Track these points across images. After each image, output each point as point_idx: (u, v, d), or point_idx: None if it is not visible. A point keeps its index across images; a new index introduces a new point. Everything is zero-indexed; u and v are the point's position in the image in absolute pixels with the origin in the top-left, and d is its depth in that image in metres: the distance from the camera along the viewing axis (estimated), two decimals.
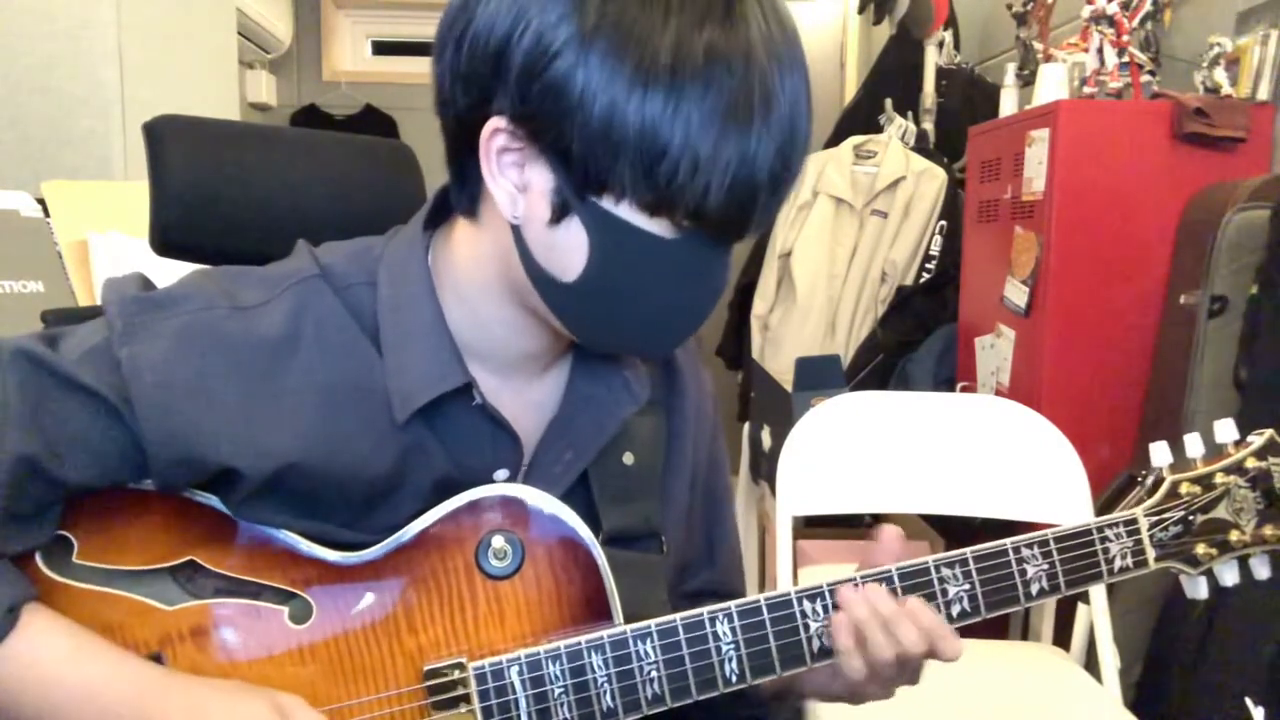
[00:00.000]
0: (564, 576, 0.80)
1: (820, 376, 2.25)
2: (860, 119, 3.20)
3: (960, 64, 3.12)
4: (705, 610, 0.79)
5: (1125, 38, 2.11)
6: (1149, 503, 0.86)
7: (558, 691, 0.77)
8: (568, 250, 0.71)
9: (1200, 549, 0.86)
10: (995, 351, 2.22)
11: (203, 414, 0.73)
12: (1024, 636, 2.00)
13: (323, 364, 0.77)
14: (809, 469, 1.59)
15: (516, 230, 0.73)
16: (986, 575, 0.82)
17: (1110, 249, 1.96)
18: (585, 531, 0.80)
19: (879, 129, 3.05)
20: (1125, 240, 1.95)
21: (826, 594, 0.80)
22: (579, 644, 0.77)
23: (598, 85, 0.65)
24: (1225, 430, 0.89)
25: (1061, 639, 1.67)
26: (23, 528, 0.73)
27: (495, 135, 0.70)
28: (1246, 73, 1.91)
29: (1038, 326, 2.02)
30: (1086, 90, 2.13)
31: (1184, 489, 0.87)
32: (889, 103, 3.07)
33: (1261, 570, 0.88)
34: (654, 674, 0.78)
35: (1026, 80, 2.53)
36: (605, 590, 0.80)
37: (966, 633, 0.80)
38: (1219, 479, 0.87)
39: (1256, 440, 0.88)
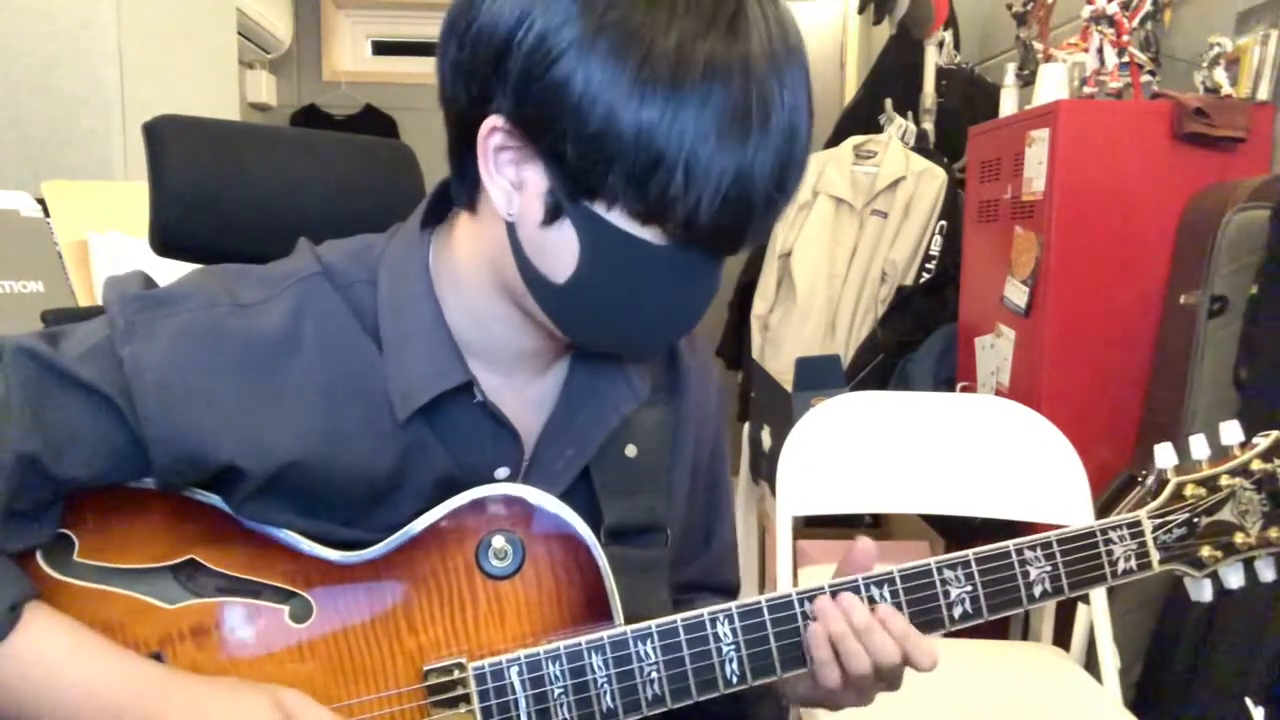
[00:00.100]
0: (564, 576, 0.80)
1: (820, 376, 2.25)
2: (860, 119, 3.20)
3: (960, 64, 3.11)
4: (706, 611, 0.79)
5: (1125, 38, 2.11)
6: (1153, 505, 0.86)
7: (557, 692, 0.77)
8: (559, 252, 0.72)
9: (1205, 551, 0.86)
10: (995, 351, 2.21)
11: (204, 412, 0.74)
12: (1024, 636, 2.00)
13: (324, 362, 0.77)
14: (809, 469, 1.59)
15: (511, 228, 0.74)
16: (989, 577, 0.82)
17: (1110, 249, 1.96)
18: (586, 531, 0.80)
19: (879, 129, 3.05)
20: (1125, 240, 1.95)
21: (828, 595, 0.80)
22: (579, 644, 0.77)
23: (597, 89, 0.65)
24: (1231, 432, 0.88)
25: (1061, 639, 1.67)
26: (23, 526, 0.73)
27: (493, 133, 0.71)
28: (1246, 73, 1.91)
29: (1038, 326, 2.02)
30: (1086, 90, 2.13)
31: (1189, 491, 0.86)
32: (889, 103, 3.07)
33: (1267, 573, 0.87)
34: (654, 675, 0.78)
35: (1026, 80, 2.53)
36: (606, 590, 0.80)
37: (966, 633, 0.80)
38: (1224, 481, 0.86)
39: (1262, 442, 0.87)
